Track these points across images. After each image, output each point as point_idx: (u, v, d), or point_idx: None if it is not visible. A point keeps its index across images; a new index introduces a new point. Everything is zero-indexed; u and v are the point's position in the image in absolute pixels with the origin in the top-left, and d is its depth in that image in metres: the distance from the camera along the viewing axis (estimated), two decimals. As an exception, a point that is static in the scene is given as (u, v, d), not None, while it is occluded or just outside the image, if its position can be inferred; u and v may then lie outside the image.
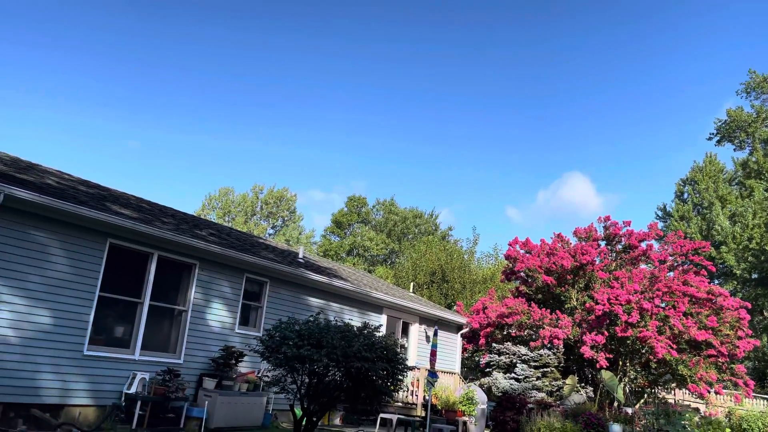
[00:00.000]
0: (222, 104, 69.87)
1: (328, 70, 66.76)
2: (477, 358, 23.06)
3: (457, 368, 20.23)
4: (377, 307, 16.99)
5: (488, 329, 21.24)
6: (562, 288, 20.85)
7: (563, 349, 19.92)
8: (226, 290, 12.48)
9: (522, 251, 22.19)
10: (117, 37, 60.35)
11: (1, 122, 57.67)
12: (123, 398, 10.00)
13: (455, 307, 25.65)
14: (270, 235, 52.56)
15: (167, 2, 59.30)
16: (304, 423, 9.38)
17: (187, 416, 10.51)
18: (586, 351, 17.79)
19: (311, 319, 9.77)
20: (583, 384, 19.92)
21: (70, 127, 64.88)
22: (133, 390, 10.01)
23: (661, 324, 17.34)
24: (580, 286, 20.72)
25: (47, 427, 8.75)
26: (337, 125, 71.70)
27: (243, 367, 12.32)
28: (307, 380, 9.38)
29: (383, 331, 15.56)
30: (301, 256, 16.88)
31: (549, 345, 19.39)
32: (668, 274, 19.44)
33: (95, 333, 10.06)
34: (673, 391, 23.12)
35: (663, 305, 18.26)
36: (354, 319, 15.43)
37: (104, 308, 10.26)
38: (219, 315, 12.25)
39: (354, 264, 45.01)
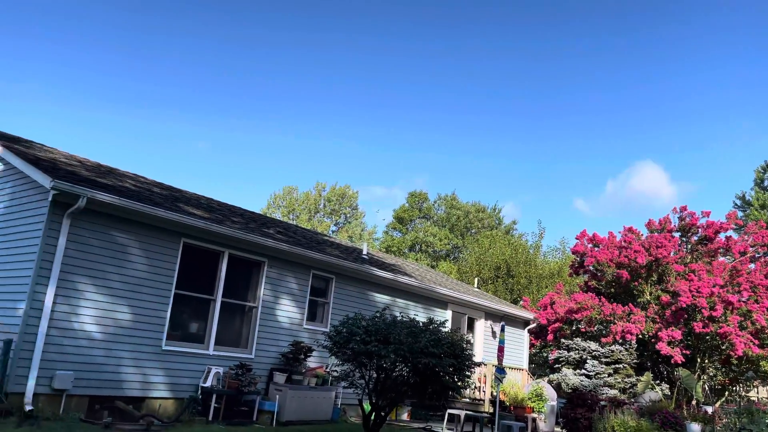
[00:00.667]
0: (285, 103, 71.36)
1: (390, 69, 66.96)
2: (545, 354, 22.61)
3: (525, 364, 19.90)
4: (442, 302, 16.93)
5: (556, 325, 20.78)
6: (635, 282, 20.12)
7: (636, 345, 19.24)
8: (294, 287, 12.75)
9: (590, 245, 21.57)
10: (186, 41, 62.62)
11: (77, 127, 61.03)
12: (199, 392, 10.39)
13: (521, 303, 25.23)
14: (333, 232, 53.28)
15: (233, 5, 61.00)
16: (372, 418, 9.47)
17: (260, 409, 10.82)
18: (663, 347, 17.13)
19: (377, 315, 9.83)
20: (657, 381, 19.20)
21: (143, 131, 67.87)
22: (208, 384, 10.38)
23: (743, 319, 16.45)
24: (653, 279, 19.94)
25: (130, 419, 9.20)
26: (399, 121, 71.84)
27: (311, 362, 12.55)
28: (374, 375, 9.45)
29: (449, 326, 15.49)
30: (365, 252, 17.03)
31: (621, 341, 18.78)
32: (750, 266, 18.42)
33: (172, 329, 10.50)
34: (756, 389, 21.92)
35: (745, 299, 17.32)
36: (419, 314, 15.44)
37: (180, 305, 10.69)
38: (287, 311, 12.53)
39: (416, 260, 45.01)
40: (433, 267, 42.24)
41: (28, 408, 8.32)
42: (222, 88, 68.01)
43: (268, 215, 34.97)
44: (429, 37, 63.39)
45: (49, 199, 8.78)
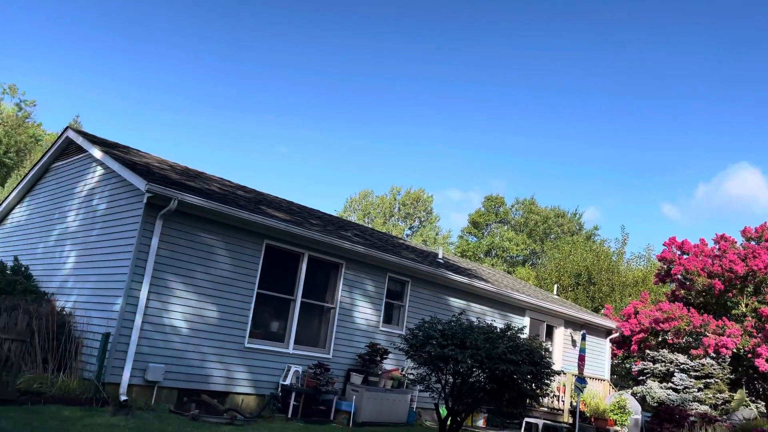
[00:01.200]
0: (361, 107, 72.35)
1: (468, 72, 66.50)
2: (628, 365, 21.68)
3: (606, 375, 19.16)
4: (519, 309, 16.60)
5: (640, 335, 19.89)
6: (729, 293, 18.94)
7: (729, 360, 18.10)
8: (370, 289, 12.88)
9: (678, 252, 20.50)
10: (266, 45, 64.82)
11: (166, 132, 64.33)
12: (279, 389, 10.70)
13: (603, 311, 24.32)
14: (407, 235, 53.43)
15: (313, 9, 62.57)
16: (448, 423, 9.42)
17: (337, 409, 11.00)
18: (762, 364, 16.04)
19: (454, 319, 9.78)
20: (753, 398, 17.96)
21: (226, 135, 70.76)
22: (288, 382, 10.67)
23: None
24: (749, 291, 18.70)
25: (215, 412, 9.60)
26: (475, 124, 71.18)
27: (387, 364, 12.64)
28: (451, 380, 9.40)
29: (527, 333, 15.15)
30: (440, 256, 16.96)
31: (714, 354, 17.72)
32: None
33: (254, 327, 10.88)
34: None
35: None
36: (496, 320, 15.20)
37: (261, 304, 11.05)
38: (364, 313, 12.68)
39: (492, 265, 44.35)
40: (509, 273, 41.48)
41: (122, 398, 8.85)
42: (301, 91, 69.85)
43: (343, 218, 35.55)
44: (512, 38, 62.49)
45: (144, 201, 9.33)
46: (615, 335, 19.99)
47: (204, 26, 60.36)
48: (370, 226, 48.27)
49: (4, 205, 14.68)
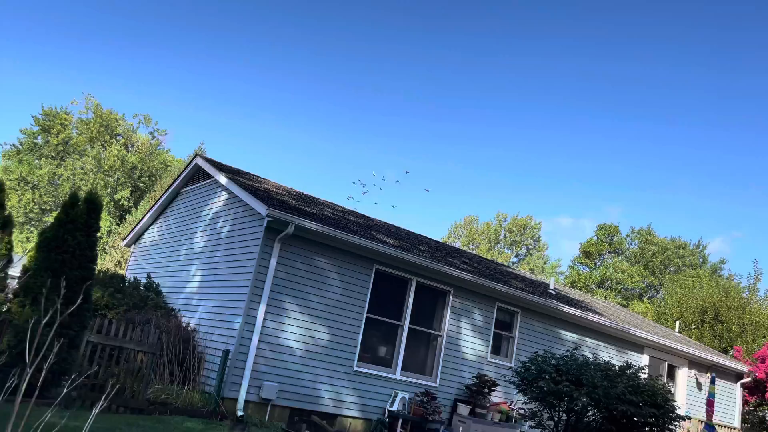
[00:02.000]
0: (467, 130, 72.16)
1: (582, 97, 64.62)
2: (761, 413, 19.62)
3: (737, 423, 17.44)
4: (637, 345, 15.59)
5: (778, 381, 17.96)
6: None
7: None
8: (478, 318, 12.66)
9: (824, 290, 18.41)
10: (376, 67, 66.61)
11: (276, 156, 67.47)
12: (386, 414, 10.71)
13: (732, 352, 22.28)
14: (514, 263, 52.14)
15: (430, 39, 63.68)
16: (561, 463, 8.97)
17: (443, 439, 10.81)
18: None
19: (568, 354, 9.36)
20: None
21: (336, 157, 73.11)
22: (394, 408, 10.66)
23: None
24: None
25: (324, 433, 9.77)
26: (589, 150, 68.68)
27: (495, 397, 12.29)
28: (564, 417, 8.98)
29: (647, 372, 14.19)
30: (552, 287, 16.37)
31: None
32: None
33: (363, 351, 11.01)
34: None
35: None
36: (612, 357, 14.36)
37: (370, 329, 11.18)
38: (471, 342, 12.45)
39: (605, 297, 42.16)
40: (624, 306, 39.21)
41: (239, 413, 9.24)
42: (410, 115, 70.91)
43: (450, 245, 35.36)
44: (623, 62, 60.05)
45: (264, 225, 9.82)
46: (747, 380, 18.20)
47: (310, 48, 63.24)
48: (474, 252, 47.69)
49: (139, 226, 16.04)
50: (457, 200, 74.59)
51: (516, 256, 53.57)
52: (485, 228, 53.80)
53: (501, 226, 54.01)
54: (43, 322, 2.52)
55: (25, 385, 2.37)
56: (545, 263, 51.86)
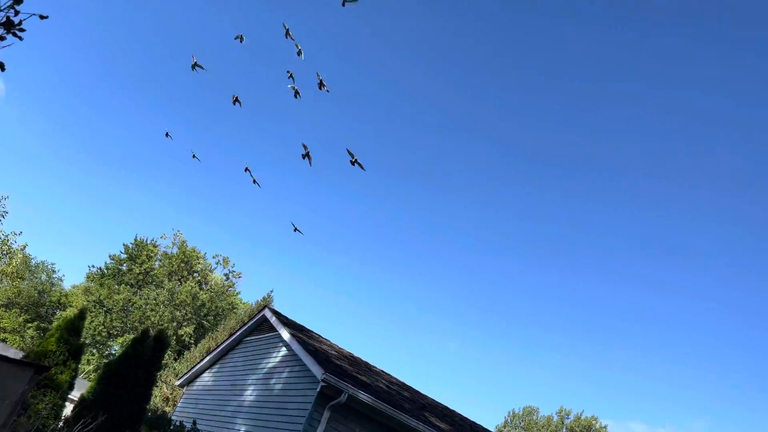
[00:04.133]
0: (528, 316, 70.33)
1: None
2: None
3: None
4: None
5: None
6: None
7: None
8: None
9: None
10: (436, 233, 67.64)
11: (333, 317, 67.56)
12: None
13: None
14: (574, 467, 47.48)
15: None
16: None
17: None
18: None
19: None
20: None
21: (393, 323, 72.30)
22: None
23: None
24: None
25: None
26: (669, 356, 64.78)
27: None
28: None
29: None
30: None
31: None
32: None
33: None
34: None
35: None
36: None
37: None
38: None
39: None
40: None
41: None
42: (476, 288, 70.37)
43: (505, 435, 32.97)
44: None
45: (317, 389, 9.68)
46: None
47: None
48: (531, 448, 44.09)
49: (197, 368, 16.16)
50: (515, 384, 70.79)
51: (577, 459, 49.00)
52: (546, 422, 50.25)
53: (563, 423, 50.33)
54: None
55: None
56: (609, 473, 46.94)
